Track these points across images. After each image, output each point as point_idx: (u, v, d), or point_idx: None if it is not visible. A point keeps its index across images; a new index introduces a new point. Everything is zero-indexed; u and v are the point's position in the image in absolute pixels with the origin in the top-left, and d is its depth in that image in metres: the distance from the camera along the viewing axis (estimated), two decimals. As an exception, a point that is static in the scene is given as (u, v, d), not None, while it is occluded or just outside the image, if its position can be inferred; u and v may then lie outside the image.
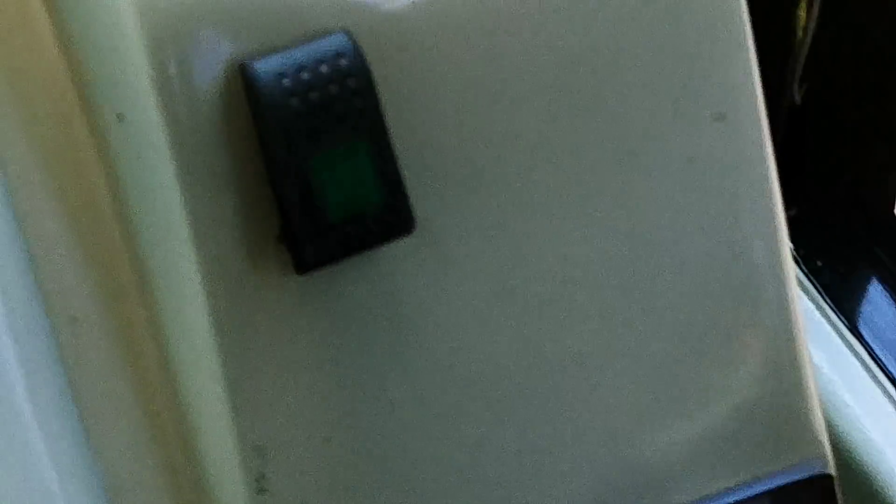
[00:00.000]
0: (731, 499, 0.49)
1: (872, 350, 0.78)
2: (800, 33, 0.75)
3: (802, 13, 0.73)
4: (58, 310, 0.42)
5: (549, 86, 0.43)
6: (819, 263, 0.83)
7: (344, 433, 0.44)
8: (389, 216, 0.40)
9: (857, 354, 0.79)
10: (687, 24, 0.46)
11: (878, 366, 0.77)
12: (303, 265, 0.40)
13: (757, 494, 0.50)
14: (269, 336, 0.42)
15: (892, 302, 0.79)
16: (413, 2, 0.42)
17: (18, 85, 0.43)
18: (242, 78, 0.38)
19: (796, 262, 0.78)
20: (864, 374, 0.79)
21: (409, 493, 0.46)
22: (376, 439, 0.45)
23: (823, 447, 0.53)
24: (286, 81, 0.38)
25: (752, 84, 0.46)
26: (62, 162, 0.43)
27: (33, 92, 0.44)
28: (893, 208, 0.83)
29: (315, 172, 0.38)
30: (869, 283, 0.81)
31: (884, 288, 0.80)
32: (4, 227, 0.42)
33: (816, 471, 0.52)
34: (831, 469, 0.53)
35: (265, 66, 0.38)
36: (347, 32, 0.39)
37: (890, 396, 0.76)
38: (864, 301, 0.80)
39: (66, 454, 0.44)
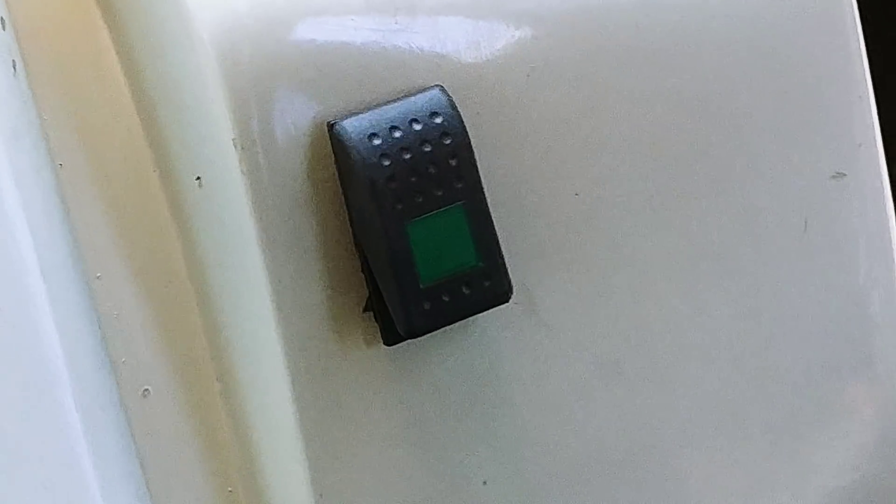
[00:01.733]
0: None
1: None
2: None
3: None
4: (128, 381, 0.40)
5: (657, 141, 0.40)
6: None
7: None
8: (486, 282, 0.37)
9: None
10: (807, 78, 0.44)
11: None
12: (392, 336, 0.37)
13: None
14: (353, 413, 0.40)
15: None
16: (507, 53, 0.39)
17: (94, 145, 0.41)
18: (330, 138, 0.36)
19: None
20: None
21: None
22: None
23: None
24: (377, 141, 0.36)
25: (874, 140, 0.44)
26: (137, 226, 0.40)
27: (108, 153, 0.41)
28: None
29: (410, 237, 0.36)
30: None
31: None
32: (76, 295, 0.40)
33: None
34: None
35: (355, 126, 0.36)
36: (442, 88, 0.36)
37: None
38: None
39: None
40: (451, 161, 0.36)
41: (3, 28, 0.37)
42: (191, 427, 0.42)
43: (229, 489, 0.42)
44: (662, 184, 0.41)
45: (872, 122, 0.44)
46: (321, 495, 0.39)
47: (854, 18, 0.45)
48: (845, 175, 0.43)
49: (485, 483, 0.39)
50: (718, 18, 0.44)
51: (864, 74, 0.44)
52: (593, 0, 0.42)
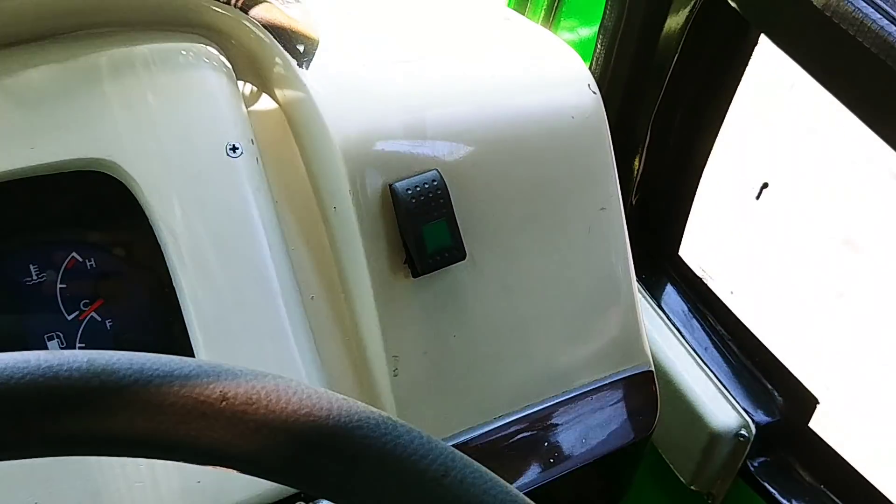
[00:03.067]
0: (599, 384, 0.70)
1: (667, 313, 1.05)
2: (636, 166, 0.97)
3: (637, 163, 0.95)
4: (305, 293, 0.63)
5: (524, 191, 0.66)
6: (643, 276, 1.06)
7: (432, 351, 0.64)
8: (454, 251, 0.62)
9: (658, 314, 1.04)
10: (587, 166, 0.69)
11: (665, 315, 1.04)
12: (415, 274, 0.63)
13: (612, 381, 0.71)
14: (400, 306, 0.63)
15: (675, 290, 1.04)
16: (467, 158, 0.64)
17: (286, 184, 0.65)
18: (390, 189, 0.61)
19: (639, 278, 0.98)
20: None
21: (463, 379, 0.65)
22: (447, 354, 0.64)
23: (647, 355, 0.73)
24: (409, 192, 0.61)
25: (617, 190, 0.69)
26: (309, 225, 0.65)
27: (293, 189, 0.65)
28: (678, 250, 1.05)
29: (423, 232, 0.61)
30: (667, 281, 1.06)
31: (673, 286, 1.06)
32: (287, 264, 0.62)
33: (644, 368, 0.73)
34: (651, 367, 0.73)
35: (399, 185, 0.61)
36: (437, 171, 0.62)
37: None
38: (664, 291, 1.05)
39: (306, 352, 0.62)
40: (440, 200, 0.61)
41: (253, 143, 0.62)
42: (333, 314, 0.65)
43: (348, 339, 0.64)
44: (528, 208, 0.66)
45: (617, 188, 0.69)
46: (386, 340, 0.62)
47: (608, 140, 0.69)
48: (605, 209, 0.69)
49: (455, 336, 0.64)
50: (549, 139, 0.67)
51: (614, 166, 0.68)
52: (491, 134, 0.66)
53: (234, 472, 0.34)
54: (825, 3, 0.63)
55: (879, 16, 0.62)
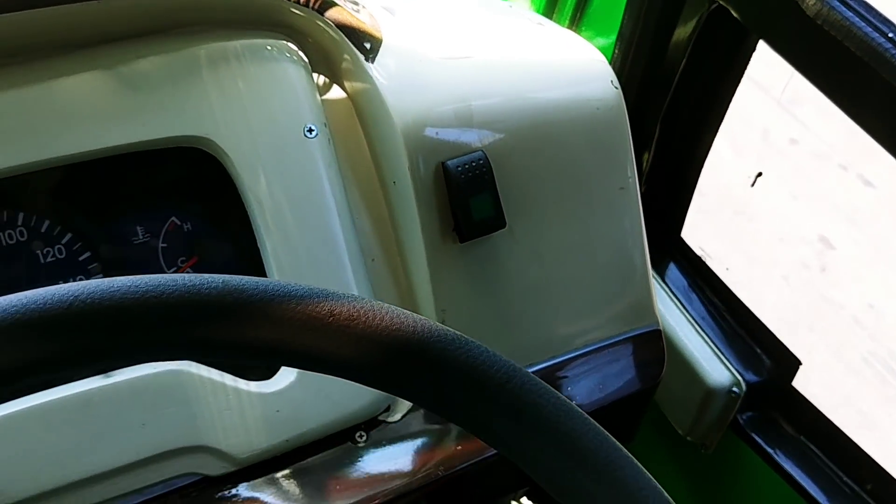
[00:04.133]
0: (615, 339, 0.73)
1: (670, 287, 1.06)
2: (645, 159, 0.99)
3: (646, 156, 0.97)
4: (367, 256, 0.66)
5: (555, 171, 0.70)
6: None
7: (473, 306, 0.67)
8: (495, 220, 0.65)
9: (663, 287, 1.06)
10: (610, 150, 0.72)
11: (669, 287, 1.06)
12: (462, 239, 0.66)
13: (626, 338, 0.73)
14: (448, 267, 0.66)
15: (677, 268, 1.05)
16: (507, 141, 0.67)
17: (352, 162, 0.68)
18: (443, 168, 0.64)
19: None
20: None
21: (499, 331, 0.68)
22: (486, 309, 0.67)
23: (657, 316, 0.76)
24: (459, 169, 0.64)
25: (634, 173, 0.72)
26: (371, 198, 0.68)
27: (358, 167, 0.68)
28: (681, 232, 1.05)
29: (470, 203, 0.64)
30: (670, 260, 1.07)
31: (675, 264, 1.07)
32: (353, 234, 0.65)
33: (654, 327, 0.76)
34: (660, 327, 0.76)
35: (451, 164, 0.64)
36: (483, 151, 0.65)
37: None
38: (668, 268, 1.07)
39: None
40: (485, 176, 0.64)
41: (326, 126, 0.65)
42: (390, 275, 0.68)
43: (404, 301, 0.67)
44: (557, 184, 0.69)
45: (634, 171, 0.71)
46: (436, 297, 0.65)
47: (627, 129, 0.71)
48: (624, 188, 0.72)
49: (493, 294, 0.67)
50: (576, 126, 0.70)
51: (632, 151, 0.71)
52: (528, 121, 0.68)
53: (341, 379, 0.38)
54: (817, 13, 0.66)
55: (864, 24, 0.65)
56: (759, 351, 0.98)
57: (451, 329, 0.37)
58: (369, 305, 0.36)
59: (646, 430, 1.02)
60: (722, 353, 0.96)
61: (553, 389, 0.37)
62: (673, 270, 1.05)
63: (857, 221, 2.34)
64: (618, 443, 0.36)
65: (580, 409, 0.37)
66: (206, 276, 0.36)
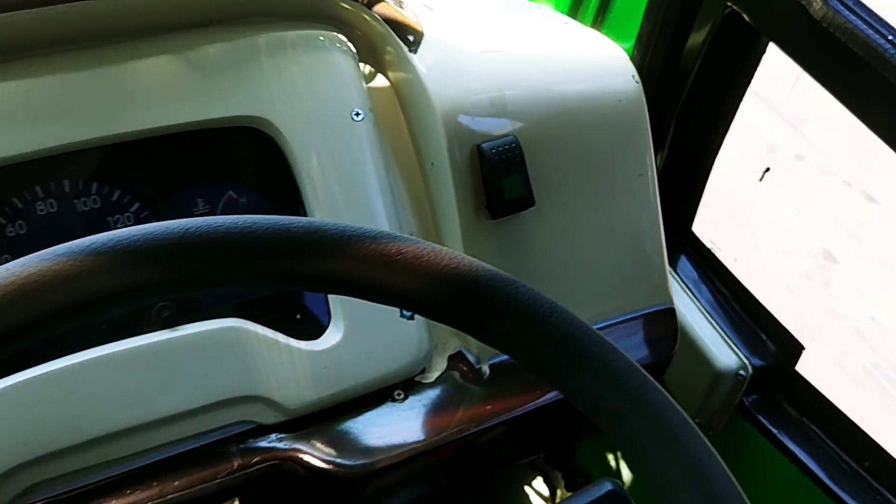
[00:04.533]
0: (633, 315, 0.78)
1: (681, 277, 1.10)
2: (660, 155, 1.03)
3: (661, 152, 1.02)
4: (406, 228, 0.71)
5: (580, 157, 0.75)
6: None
7: (503, 262, 0.68)
8: (525, 199, 0.70)
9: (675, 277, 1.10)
10: (628, 136, 0.77)
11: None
12: (495, 216, 0.70)
13: (643, 314, 0.78)
14: (481, 241, 0.70)
15: (688, 259, 1.09)
16: (537, 128, 0.72)
17: (394, 144, 0.73)
18: (478, 150, 0.69)
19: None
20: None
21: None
22: (518, 278, 0.75)
23: (671, 295, 0.81)
24: (493, 151, 0.69)
25: (652, 161, 0.77)
26: (411, 177, 0.73)
27: (399, 149, 0.73)
28: (692, 226, 1.09)
29: (502, 183, 0.69)
30: (681, 252, 1.11)
31: (686, 256, 1.11)
32: (391, 198, 0.70)
33: (668, 305, 0.81)
34: (673, 305, 0.81)
35: (486, 146, 0.69)
36: (515, 136, 0.70)
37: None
38: (679, 259, 1.10)
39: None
40: (516, 159, 0.69)
41: (371, 111, 0.70)
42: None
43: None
44: (580, 169, 0.75)
45: (652, 159, 0.76)
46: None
47: (646, 120, 0.76)
48: (642, 175, 0.77)
49: (522, 268, 0.72)
50: (599, 116, 0.75)
51: (650, 141, 0.77)
52: (555, 110, 0.73)
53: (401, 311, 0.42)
54: (823, 16, 0.72)
55: (866, 27, 0.70)
56: (764, 337, 1.02)
57: (502, 272, 0.43)
58: (431, 247, 0.42)
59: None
60: (729, 339, 1.00)
61: (588, 325, 0.43)
62: (684, 262, 1.09)
63: (861, 236, 2.39)
64: (644, 371, 0.41)
65: (612, 342, 0.43)
66: (294, 217, 0.41)
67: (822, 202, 2.48)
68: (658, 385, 0.41)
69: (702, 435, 0.39)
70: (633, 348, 0.79)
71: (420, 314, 0.43)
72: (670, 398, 0.41)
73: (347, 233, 0.41)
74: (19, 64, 0.63)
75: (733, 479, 0.38)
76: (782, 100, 2.53)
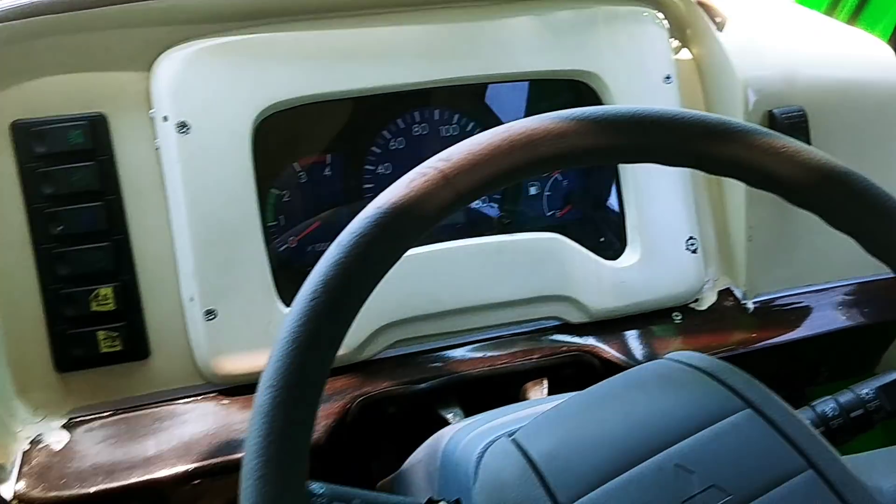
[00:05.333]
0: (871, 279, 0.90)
1: None
2: None
3: None
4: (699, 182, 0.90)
5: (853, 130, 0.84)
6: None
7: (782, 231, 0.82)
8: None
9: None
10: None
11: None
12: None
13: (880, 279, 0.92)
14: (760, 194, 0.90)
15: None
16: (818, 102, 0.82)
17: (690, 106, 0.84)
18: (769, 115, 0.81)
19: None
20: None
21: (787, 252, 0.83)
22: (793, 230, 0.83)
23: None
24: (783, 117, 0.80)
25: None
26: None
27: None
28: None
29: None
30: None
31: None
32: None
33: None
34: None
35: (777, 112, 0.81)
36: (803, 108, 0.82)
37: None
38: None
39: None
40: (801, 125, 0.80)
41: (677, 77, 0.86)
42: (709, 205, 0.92)
43: (717, 220, 0.91)
44: (852, 141, 0.84)
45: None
46: (749, 226, 0.87)
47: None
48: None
49: (796, 220, 0.90)
50: (870, 99, 0.84)
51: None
52: (846, 85, 0.82)
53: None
54: None
55: None
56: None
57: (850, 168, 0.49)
58: (804, 146, 0.49)
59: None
60: None
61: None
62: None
63: None
64: None
65: None
66: (704, 113, 0.49)
67: None
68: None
69: None
70: (863, 306, 0.86)
71: (791, 201, 0.50)
72: None
73: (744, 127, 0.49)
74: (419, 11, 0.78)
75: None
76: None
